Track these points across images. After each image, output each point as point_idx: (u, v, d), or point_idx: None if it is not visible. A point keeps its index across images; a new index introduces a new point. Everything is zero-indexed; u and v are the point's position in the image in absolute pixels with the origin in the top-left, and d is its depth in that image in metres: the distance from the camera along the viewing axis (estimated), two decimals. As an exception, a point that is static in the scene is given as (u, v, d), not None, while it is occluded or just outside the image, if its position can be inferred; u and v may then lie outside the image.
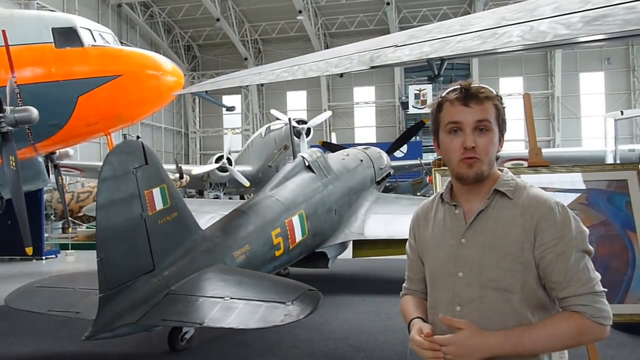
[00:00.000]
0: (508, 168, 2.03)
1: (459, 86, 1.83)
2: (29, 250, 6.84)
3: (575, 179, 3.34)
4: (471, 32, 3.50)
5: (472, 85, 1.83)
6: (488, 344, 1.70)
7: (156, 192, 4.80)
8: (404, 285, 2.14)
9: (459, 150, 1.81)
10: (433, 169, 3.55)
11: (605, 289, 1.74)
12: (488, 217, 1.82)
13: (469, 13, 29.15)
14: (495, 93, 1.85)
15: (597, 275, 1.75)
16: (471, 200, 1.88)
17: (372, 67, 4.12)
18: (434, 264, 1.94)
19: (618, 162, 10.90)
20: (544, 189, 1.94)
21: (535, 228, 1.75)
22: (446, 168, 2.03)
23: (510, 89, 35.03)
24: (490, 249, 1.78)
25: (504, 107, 1.86)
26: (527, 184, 1.88)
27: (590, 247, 1.77)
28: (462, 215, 1.88)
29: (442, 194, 1.98)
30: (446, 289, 1.86)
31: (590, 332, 1.70)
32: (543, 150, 3.61)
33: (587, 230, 1.78)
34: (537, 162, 3.39)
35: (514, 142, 33.76)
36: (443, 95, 1.87)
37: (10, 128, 6.44)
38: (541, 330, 1.70)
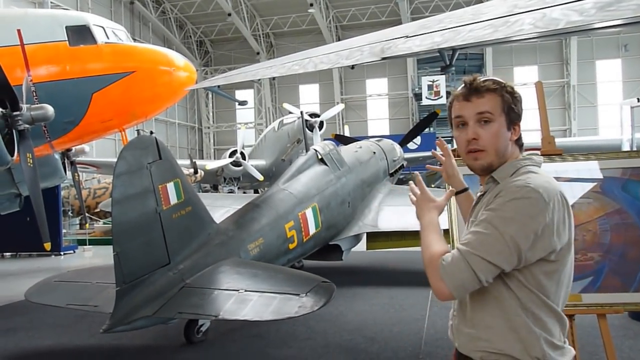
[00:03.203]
0: None
1: (464, 83, 1.91)
2: (48, 246, 6.93)
3: (590, 167, 3.30)
4: (483, 21, 3.47)
5: (476, 80, 1.88)
6: (422, 213, 1.95)
7: (170, 186, 4.84)
8: None
9: (464, 144, 1.89)
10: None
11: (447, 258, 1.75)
12: (482, 202, 1.89)
13: (482, 2, 28.80)
14: (500, 84, 1.87)
15: (476, 243, 1.72)
16: None
17: (383, 59, 4.11)
18: None
19: (634, 149, 10.74)
20: (557, 178, 1.92)
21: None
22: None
23: (525, 78, 34.61)
24: None
25: (514, 96, 1.87)
26: (531, 170, 1.84)
27: (508, 230, 1.69)
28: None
29: None
30: None
31: (431, 266, 1.77)
32: (559, 139, 3.58)
33: (534, 226, 1.69)
34: (549, 151, 3.36)
35: (529, 132, 33.33)
36: (454, 92, 1.97)
37: (27, 126, 6.51)
38: (429, 235, 1.88)
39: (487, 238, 1.71)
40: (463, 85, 1.91)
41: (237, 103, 33.00)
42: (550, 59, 35.87)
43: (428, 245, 1.84)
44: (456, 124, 1.91)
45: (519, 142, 1.93)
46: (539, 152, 3.58)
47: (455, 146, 2.09)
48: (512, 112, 1.86)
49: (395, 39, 4.21)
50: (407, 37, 4.10)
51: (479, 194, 1.97)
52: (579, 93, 35.08)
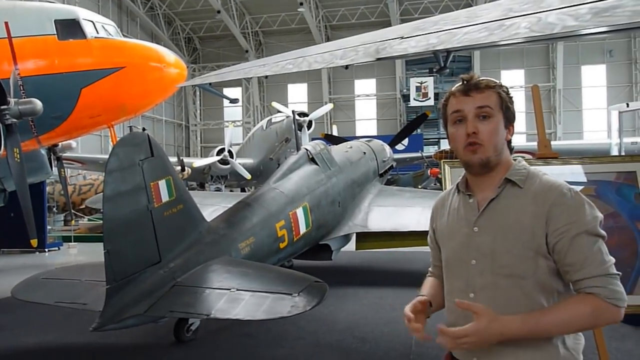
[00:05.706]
0: None
1: (461, 80, 1.92)
2: (34, 242, 6.85)
3: (584, 171, 3.34)
4: (478, 24, 3.49)
5: (474, 77, 1.91)
6: (505, 331, 1.71)
7: (162, 184, 4.81)
8: (429, 268, 2.21)
9: (463, 138, 1.87)
10: (442, 161, 3.56)
11: (620, 273, 1.75)
12: (499, 205, 1.85)
13: (471, 5, 29.03)
14: (498, 83, 1.91)
15: (612, 259, 1.75)
16: (484, 190, 1.90)
17: (378, 59, 4.12)
18: (448, 252, 1.98)
19: (628, 154, 10.90)
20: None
21: (547, 214, 1.76)
22: (454, 160, 2.08)
23: (512, 82, 35.00)
24: (502, 236, 1.81)
25: (509, 96, 1.91)
26: (540, 172, 1.89)
27: (604, 232, 1.77)
28: (475, 204, 1.91)
29: (458, 184, 2.01)
30: (460, 276, 1.91)
31: (606, 314, 1.71)
32: (548, 142, 3.61)
33: (601, 215, 1.79)
34: (546, 154, 3.39)
35: (515, 135, 33.64)
36: (449, 90, 1.97)
37: (14, 120, 6.42)
38: (557, 314, 1.72)
39: (602, 246, 1.76)
40: (461, 82, 1.92)
41: (228, 101, 32.86)
42: (536, 63, 36.28)
43: (571, 314, 1.72)
44: (453, 119, 1.89)
45: (509, 145, 1.94)
46: (526, 154, 3.61)
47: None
48: (508, 111, 1.89)
49: (391, 39, 4.22)
50: (402, 38, 4.10)
51: (489, 199, 1.86)
52: (565, 97, 35.52)
